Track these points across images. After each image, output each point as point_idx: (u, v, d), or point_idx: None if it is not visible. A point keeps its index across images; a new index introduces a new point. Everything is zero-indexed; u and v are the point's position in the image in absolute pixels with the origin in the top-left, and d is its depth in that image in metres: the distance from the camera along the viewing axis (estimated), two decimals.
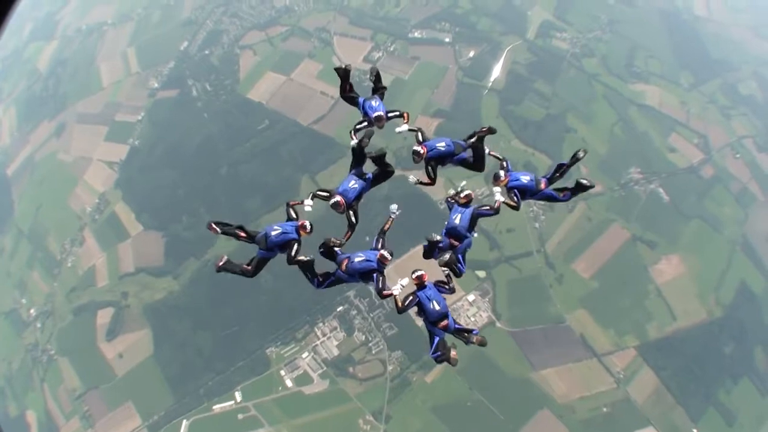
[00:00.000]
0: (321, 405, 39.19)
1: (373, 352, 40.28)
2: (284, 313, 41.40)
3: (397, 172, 10.30)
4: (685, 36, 56.54)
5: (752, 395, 38.88)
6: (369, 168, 9.51)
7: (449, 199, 9.47)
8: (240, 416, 39.48)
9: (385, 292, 8.46)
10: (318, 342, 40.86)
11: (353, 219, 9.08)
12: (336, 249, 8.86)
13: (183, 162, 49.92)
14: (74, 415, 41.55)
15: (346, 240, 9.04)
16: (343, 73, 10.43)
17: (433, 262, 8.89)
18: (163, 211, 47.79)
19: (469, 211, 8.97)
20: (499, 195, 9.26)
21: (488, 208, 9.08)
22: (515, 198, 9.24)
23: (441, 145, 9.48)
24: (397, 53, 53.93)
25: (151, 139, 52.30)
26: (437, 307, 8.33)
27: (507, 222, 42.47)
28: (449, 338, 8.49)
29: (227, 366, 40.95)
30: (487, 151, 9.66)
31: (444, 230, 8.98)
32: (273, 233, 8.78)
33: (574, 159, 9.49)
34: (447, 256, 8.55)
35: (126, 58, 58.99)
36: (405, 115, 10.26)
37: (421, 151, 9.41)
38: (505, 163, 9.65)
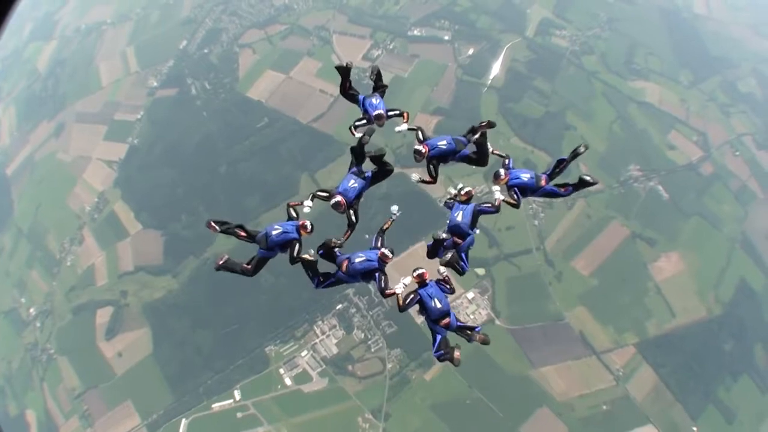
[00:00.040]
0: (320, 403, 39.18)
1: (373, 350, 40.29)
2: (283, 311, 41.38)
3: (396, 171, 10.28)
4: (685, 34, 56.59)
5: (752, 392, 38.91)
6: (368, 166, 9.48)
7: (448, 200, 9.46)
8: (239, 415, 39.47)
9: (387, 292, 8.41)
10: (317, 340, 40.84)
11: (353, 218, 9.05)
12: (335, 250, 8.79)
13: (182, 160, 49.90)
14: (73, 414, 41.55)
15: (346, 239, 9.00)
16: (344, 71, 10.44)
17: (433, 261, 8.82)
18: (163, 209, 47.74)
19: (470, 208, 8.95)
20: (498, 194, 9.20)
21: (489, 205, 9.04)
22: (515, 196, 9.19)
23: (442, 144, 9.46)
24: (397, 51, 53.85)
25: (150, 137, 52.28)
26: (439, 305, 8.23)
27: (506, 219, 42.41)
28: (452, 337, 8.37)
29: (226, 364, 40.95)
30: (490, 150, 9.61)
31: (446, 228, 8.94)
32: (274, 233, 8.74)
33: (575, 154, 9.43)
34: (449, 255, 8.48)
35: (125, 57, 58.99)
36: (405, 114, 10.25)
37: (423, 151, 9.40)
38: (507, 161, 9.60)
